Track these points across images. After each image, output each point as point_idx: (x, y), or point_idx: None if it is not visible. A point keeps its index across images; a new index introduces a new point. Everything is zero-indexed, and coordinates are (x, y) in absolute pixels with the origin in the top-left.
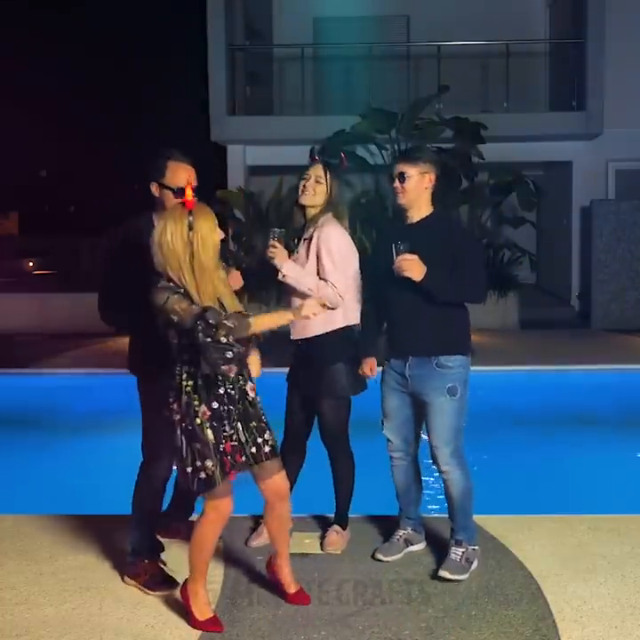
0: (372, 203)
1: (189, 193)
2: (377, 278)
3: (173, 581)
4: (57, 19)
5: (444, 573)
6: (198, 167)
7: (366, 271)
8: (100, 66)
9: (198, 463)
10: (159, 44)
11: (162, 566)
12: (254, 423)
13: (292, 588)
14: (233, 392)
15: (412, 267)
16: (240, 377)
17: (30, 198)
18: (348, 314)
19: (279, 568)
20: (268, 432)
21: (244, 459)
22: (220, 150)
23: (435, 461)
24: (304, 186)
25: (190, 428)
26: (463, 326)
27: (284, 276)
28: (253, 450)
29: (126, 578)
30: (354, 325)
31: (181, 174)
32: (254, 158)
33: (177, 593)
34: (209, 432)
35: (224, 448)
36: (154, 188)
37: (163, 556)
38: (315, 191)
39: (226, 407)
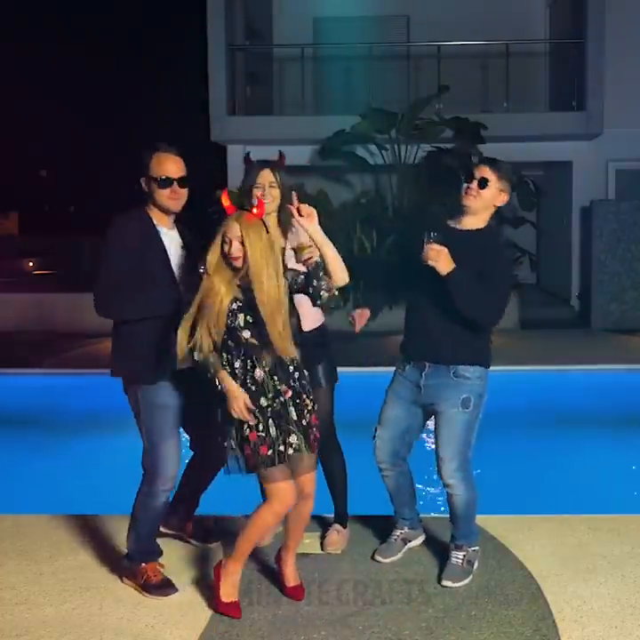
0: (372, 203)
1: (225, 199)
2: (404, 278)
3: (171, 585)
4: (57, 18)
5: (446, 583)
6: (199, 167)
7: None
8: (100, 65)
9: (230, 442)
10: (159, 43)
11: (159, 569)
12: (285, 424)
13: (290, 582)
14: (254, 388)
15: (440, 257)
16: (275, 376)
17: (30, 198)
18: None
19: (283, 561)
20: (294, 435)
21: (270, 452)
22: (221, 150)
23: (440, 474)
24: (262, 195)
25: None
26: (484, 337)
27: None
28: (281, 448)
29: (125, 579)
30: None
31: (166, 165)
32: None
33: (174, 594)
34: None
35: (247, 436)
36: (143, 183)
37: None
38: (272, 196)
39: (252, 399)
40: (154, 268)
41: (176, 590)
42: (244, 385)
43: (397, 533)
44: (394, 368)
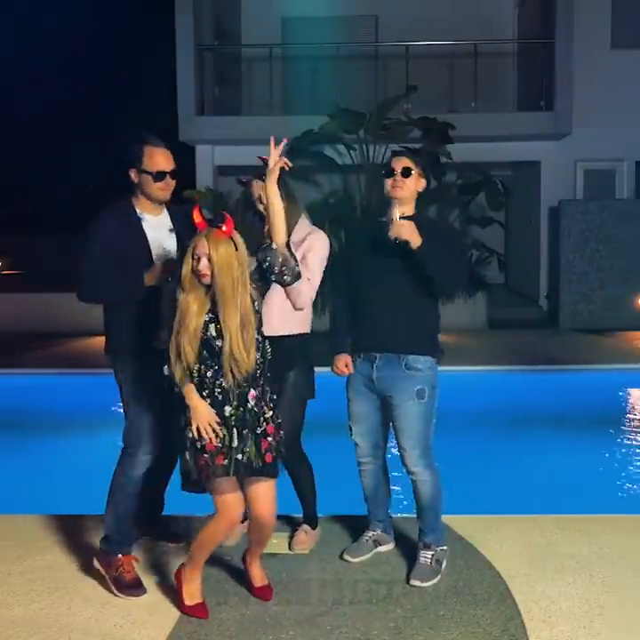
0: (341, 203)
1: (196, 215)
2: (348, 275)
3: (141, 585)
4: (20, 12)
5: (415, 582)
6: None
7: (338, 269)
8: (66, 66)
9: (185, 454)
10: (127, 43)
11: (134, 565)
12: (246, 431)
13: (257, 582)
14: (220, 397)
15: (412, 231)
16: (244, 383)
17: None
18: (307, 321)
19: (249, 563)
20: (250, 441)
21: (225, 462)
22: (189, 150)
23: (403, 463)
24: (260, 203)
25: (183, 422)
26: (433, 327)
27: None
28: (239, 456)
29: (96, 561)
30: (308, 334)
31: (159, 158)
32: (223, 158)
33: (143, 595)
34: (192, 428)
35: (203, 445)
36: (133, 175)
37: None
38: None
39: (216, 408)
40: (135, 255)
41: (145, 591)
42: (211, 395)
43: (369, 534)
44: None
